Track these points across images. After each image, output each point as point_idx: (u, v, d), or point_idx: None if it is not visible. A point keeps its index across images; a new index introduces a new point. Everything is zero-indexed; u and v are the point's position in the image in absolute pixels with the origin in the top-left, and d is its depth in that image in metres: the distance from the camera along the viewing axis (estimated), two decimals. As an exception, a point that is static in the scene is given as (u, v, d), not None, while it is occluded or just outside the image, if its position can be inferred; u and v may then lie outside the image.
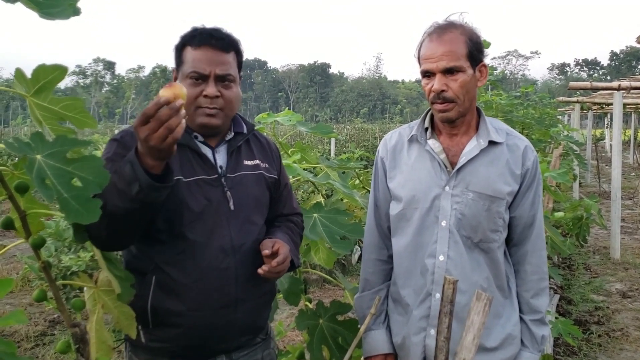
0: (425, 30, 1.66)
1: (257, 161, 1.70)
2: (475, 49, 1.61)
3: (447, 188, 1.65)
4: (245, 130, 1.71)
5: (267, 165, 1.72)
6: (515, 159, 1.66)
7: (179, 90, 1.25)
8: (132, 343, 1.63)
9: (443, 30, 1.61)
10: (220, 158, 1.63)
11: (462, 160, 1.65)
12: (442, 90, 1.59)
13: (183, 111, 1.24)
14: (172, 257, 1.53)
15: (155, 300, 1.53)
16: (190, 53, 1.57)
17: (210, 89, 1.55)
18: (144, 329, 1.57)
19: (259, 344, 1.74)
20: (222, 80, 1.57)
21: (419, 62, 1.65)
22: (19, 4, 0.90)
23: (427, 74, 1.63)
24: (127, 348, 1.66)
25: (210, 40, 1.57)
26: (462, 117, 1.65)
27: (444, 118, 1.65)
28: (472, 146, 1.66)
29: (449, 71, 1.58)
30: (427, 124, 1.72)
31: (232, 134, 1.68)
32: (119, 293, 1.33)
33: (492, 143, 1.66)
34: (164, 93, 1.24)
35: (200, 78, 1.55)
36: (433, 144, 1.69)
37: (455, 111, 1.62)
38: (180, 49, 1.61)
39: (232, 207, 1.59)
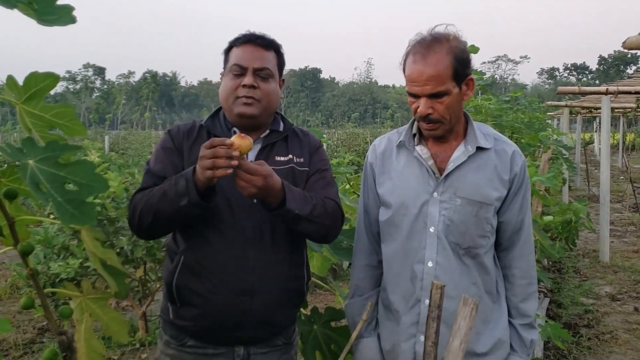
0: (410, 42, 1.64)
1: (291, 156, 1.76)
2: (461, 65, 1.58)
3: (435, 194, 1.65)
4: (281, 129, 1.80)
5: (301, 160, 1.78)
6: (503, 164, 1.66)
7: (246, 142, 1.47)
8: (164, 319, 1.77)
9: (427, 50, 1.57)
10: (252, 154, 1.72)
11: (450, 166, 1.65)
12: (429, 114, 1.59)
13: (234, 162, 1.45)
14: (198, 240, 1.67)
15: (179, 279, 1.67)
16: (234, 51, 1.74)
17: (248, 79, 1.68)
18: (172, 305, 1.72)
19: (280, 347, 1.77)
20: (260, 73, 1.70)
21: (404, 77, 1.64)
22: (16, 10, 0.91)
23: (412, 95, 1.62)
24: (160, 323, 1.80)
25: (252, 38, 1.74)
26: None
27: (430, 135, 1.67)
28: (460, 152, 1.66)
29: (434, 95, 1.57)
30: (415, 130, 1.72)
31: (268, 131, 1.76)
32: (116, 291, 1.33)
33: (480, 149, 1.66)
34: (235, 140, 1.46)
35: (240, 71, 1.70)
36: (421, 150, 1.69)
37: (441, 130, 1.63)
38: (227, 52, 1.77)
39: (254, 200, 1.65)
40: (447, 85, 1.57)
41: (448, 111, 1.60)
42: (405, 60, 1.64)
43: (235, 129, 1.74)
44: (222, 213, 1.65)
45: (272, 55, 1.75)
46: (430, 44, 1.58)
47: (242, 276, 1.64)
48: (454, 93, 1.59)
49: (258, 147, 1.74)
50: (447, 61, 1.56)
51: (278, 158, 1.74)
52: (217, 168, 1.43)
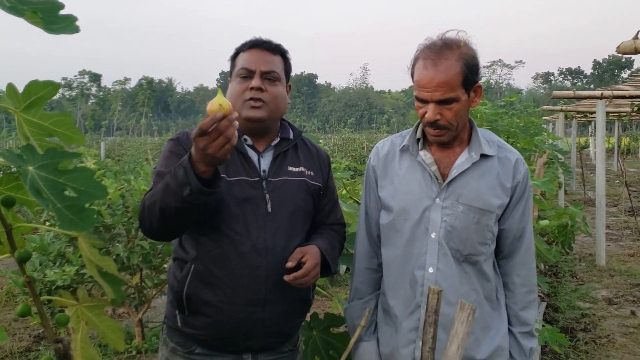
0: (419, 46, 1.62)
1: (302, 168, 1.77)
2: (471, 73, 1.58)
3: (437, 200, 1.65)
4: (291, 136, 1.80)
5: (312, 173, 1.78)
6: (506, 172, 1.66)
7: (224, 100, 1.34)
8: (168, 325, 1.74)
9: (438, 55, 1.56)
10: (265, 162, 1.72)
11: (453, 172, 1.65)
12: (436, 120, 1.59)
13: (236, 122, 1.36)
14: (210, 249, 1.64)
15: (190, 288, 1.64)
16: (241, 56, 1.75)
17: (255, 81, 1.68)
18: (180, 314, 1.69)
19: (286, 354, 1.78)
20: (268, 76, 1.69)
21: (413, 82, 1.63)
22: (11, 19, 0.91)
23: (421, 100, 1.61)
24: (164, 331, 1.77)
25: (259, 42, 1.76)
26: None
27: (436, 141, 1.66)
28: (464, 159, 1.65)
29: (443, 101, 1.57)
30: (419, 134, 1.72)
31: (278, 139, 1.76)
32: (113, 298, 1.33)
33: (483, 156, 1.65)
34: (214, 107, 1.33)
35: (248, 74, 1.70)
36: (424, 155, 1.69)
37: (448, 136, 1.63)
38: (233, 58, 1.78)
39: (269, 210, 1.66)
40: (457, 92, 1.56)
41: (456, 118, 1.59)
42: (414, 65, 1.63)
43: (245, 137, 1.73)
44: (235, 222, 1.63)
45: (279, 59, 1.76)
46: (441, 50, 1.57)
47: (255, 286, 1.64)
48: (463, 100, 1.58)
49: (270, 155, 1.74)
50: (457, 68, 1.55)
51: (290, 168, 1.74)
52: (230, 137, 1.34)
